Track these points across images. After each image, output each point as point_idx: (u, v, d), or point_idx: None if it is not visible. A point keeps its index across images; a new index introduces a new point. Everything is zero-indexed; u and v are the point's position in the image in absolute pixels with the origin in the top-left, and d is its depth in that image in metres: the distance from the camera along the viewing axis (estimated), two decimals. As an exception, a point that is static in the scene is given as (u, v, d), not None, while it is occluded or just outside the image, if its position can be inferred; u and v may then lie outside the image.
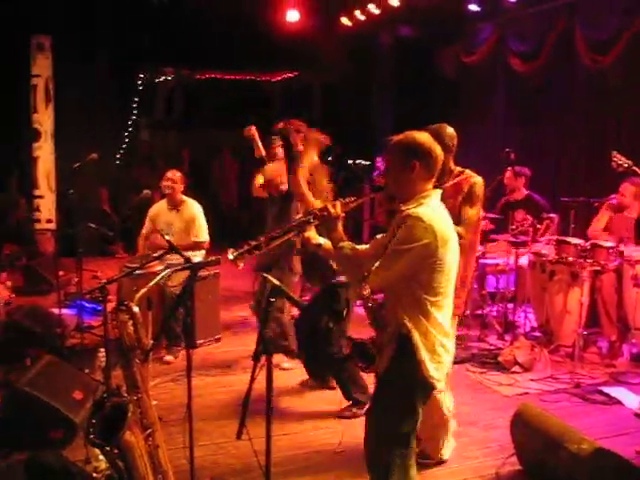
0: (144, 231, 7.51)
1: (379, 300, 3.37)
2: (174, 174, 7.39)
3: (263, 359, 3.18)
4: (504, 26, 11.14)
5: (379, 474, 3.50)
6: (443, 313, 3.33)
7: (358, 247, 3.49)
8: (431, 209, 3.26)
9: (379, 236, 3.52)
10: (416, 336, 3.23)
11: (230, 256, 3.52)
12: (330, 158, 13.26)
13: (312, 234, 3.67)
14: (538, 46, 10.31)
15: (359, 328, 6.04)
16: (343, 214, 3.48)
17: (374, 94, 15.35)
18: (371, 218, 11.00)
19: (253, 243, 3.54)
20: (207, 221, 7.46)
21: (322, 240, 3.66)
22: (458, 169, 4.75)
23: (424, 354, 3.25)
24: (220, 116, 17.78)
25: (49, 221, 11.72)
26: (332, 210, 3.44)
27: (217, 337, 7.55)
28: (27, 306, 7.32)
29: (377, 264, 3.20)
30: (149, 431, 3.62)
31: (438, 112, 11.60)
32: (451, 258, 3.28)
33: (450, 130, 4.71)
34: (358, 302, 3.40)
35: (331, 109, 16.95)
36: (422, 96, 12.76)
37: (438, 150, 3.33)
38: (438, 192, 3.37)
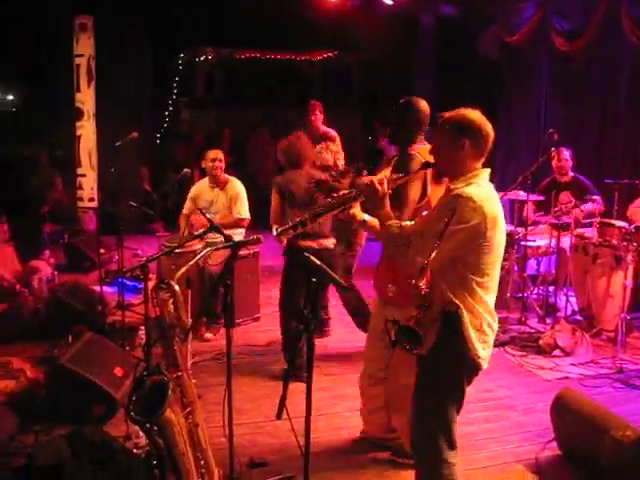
0: (185, 210, 7.52)
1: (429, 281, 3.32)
2: (217, 154, 7.39)
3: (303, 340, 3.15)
4: (547, 4, 10.90)
5: (422, 455, 3.47)
6: (489, 294, 3.29)
7: (404, 224, 3.44)
8: (481, 189, 3.21)
9: (424, 213, 3.46)
10: (464, 313, 3.20)
11: (274, 232, 3.51)
12: (370, 138, 13.23)
13: (357, 211, 3.63)
14: (582, 25, 10.07)
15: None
16: (389, 191, 3.42)
17: (414, 74, 15.18)
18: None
19: (298, 219, 3.52)
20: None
21: (367, 217, 3.62)
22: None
23: (472, 332, 3.23)
24: (259, 95, 17.77)
25: (91, 199, 11.82)
26: (378, 186, 3.39)
27: (256, 316, 7.56)
28: (69, 283, 7.40)
29: (436, 251, 3.12)
30: (189, 409, 3.63)
31: (479, 92, 11.44)
32: (499, 239, 3.24)
33: (422, 104, 4.53)
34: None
35: (370, 89, 16.85)
36: (463, 76, 12.57)
37: (489, 128, 3.27)
38: (487, 171, 3.32)
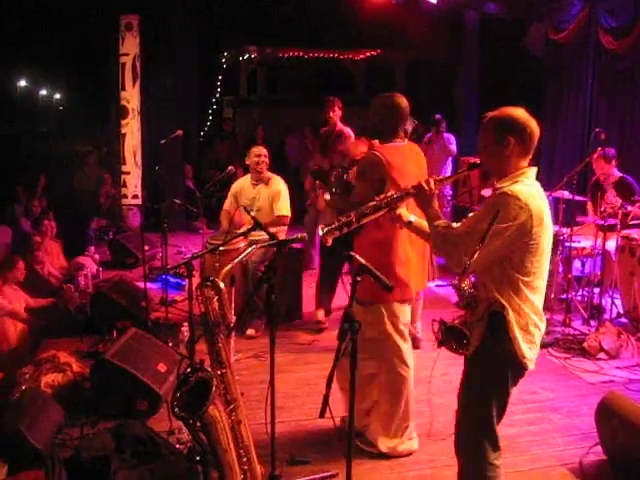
0: (226, 206, 7.56)
1: (473, 281, 3.30)
2: (261, 150, 7.42)
3: (348, 337, 3.15)
4: (595, 2, 10.75)
5: (466, 456, 3.45)
6: (536, 294, 3.26)
7: (453, 225, 3.43)
8: (527, 187, 3.19)
9: (471, 214, 3.44)
10: (510, 313, 3.18)
11: (320, 232, 3.51)
12: (414, 135, 13.15)
13: (403, 211, 3.62)
14: (631, 22, 9.92)
15: (438, 309, 6.00)
16: (437, 191, 3.43)
17: (459, 72, 15.09)
18: (454, 198, 10.82)
19: (344, 219, 3.52)
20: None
21: (413, 218, 3.61)
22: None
23: (517, 332, 3.21)
24: (302, 94, 17.81)
25: (135, 197, 11.92)
26: (426, 186, 3.40)
27: (299, 314, 7.57)
28: (114, 280, 7.49)
29: (479, 250, 3.12)
30: (232, 406, 3.65)
31: (524, 90, 11.34)
32: (545, 238, 3.21)
33: (397, 101, 4.61)
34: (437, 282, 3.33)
35: (414, 87, 16.75)
36: (508, 74, 12.48)
37: (534, 126, 3.25)
38: (534, 170, 3.30)
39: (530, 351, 3.25)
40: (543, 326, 3.34)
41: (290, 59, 18.63)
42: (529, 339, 3.24)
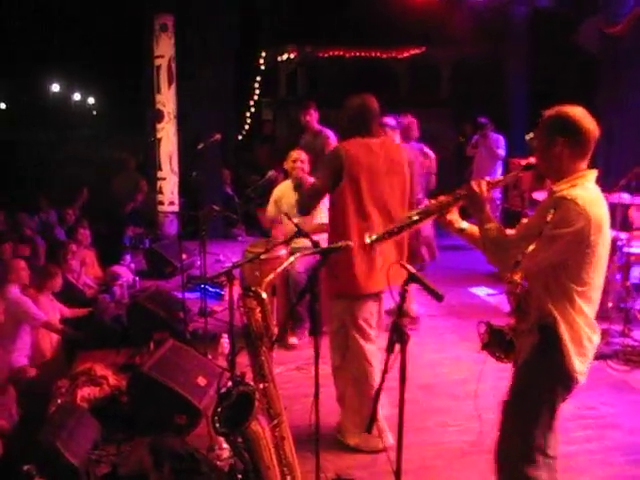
0: (268, 214, 7.58)
1: (526, 286, 3.26)
2: (299, 154, 7.40)
3: (397, 349, 3.13)
4: (652, -6, 10.59)
5: (510, 471, 3.40)
6: (590, 305, 3.22)
7: (506, 230, 3.38)
8: (586, 191, 3.13)
9: (525, 220, 3.40)
10: (562, 326, 3.14)
11: (367, 239, 3.49)
12: (462, 139, 13.06)
13: (454, 217, 3.57)
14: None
15: (488, 316, 5.91)
16: (490, 194, 3.39)
17: (507, 69, 14.98)
18: (505, 202, 10.73)
19: (391, 226, 3.50)
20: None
21: (465, 224, 3.55)
22: None
23: (570, 346, 3.17)
24: (344, 94, 17.84)
25: (171, 203, 12.00)
26: (477, 189, 3.36)
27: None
28: (150, 289, 7.54)
29: (531, 248, 3.09)
30: (275, 422, 3.64)
31: (577, 88, 11.20)
32: (603, 247, 3.16)
33: (358, 101, 4.87)
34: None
35: (461, 87, 16.70)
36: (559, 70, 12.35)
37: (590, 125, 3.17)
38: (593, 173, 3.23)
39: (582, 365, 3.21)
40: (597, 338, 3.28)
41: (331, 59, 18.67)
42: (582, 352, 3.20)
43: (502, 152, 11.41)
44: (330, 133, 8.61)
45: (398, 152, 4.97)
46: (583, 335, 3.19)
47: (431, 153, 9.28)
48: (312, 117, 8.64)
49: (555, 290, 3.17)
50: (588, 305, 3.20)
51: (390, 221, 4.56)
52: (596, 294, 3.25)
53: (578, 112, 3.20)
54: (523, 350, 3.22)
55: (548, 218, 3.07)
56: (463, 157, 12.78)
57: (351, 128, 4.87)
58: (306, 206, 5.12)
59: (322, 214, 7.31)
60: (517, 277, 3.18)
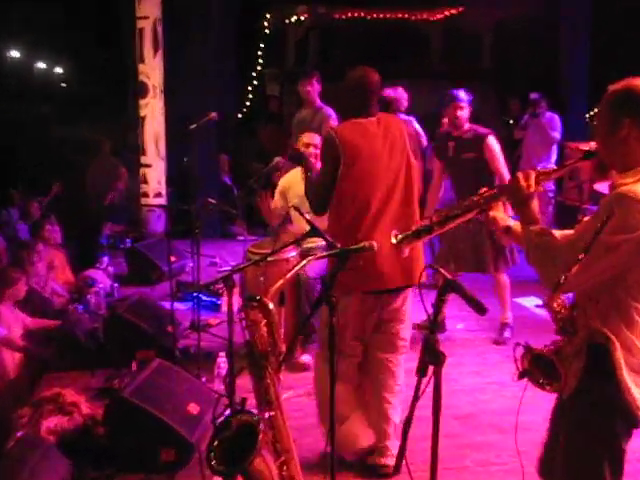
0: (274, 207, 7.56)
1: (570, 303, 3.22)
2: (312, 138, 7.38)
3: (430, 372, 3.11)
4: None
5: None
6: None
7: (556, 232, 3.34)
8: None
9: (586, 219, 3.35)
10: (616, 348, 3.06)
11: (393, 239, 3.46)
12: (510, 120, 13.03)
13: (499, 214, 3.53)
14: None
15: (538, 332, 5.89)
16: (541, 188, 3.34)
17: (563, 35, 14.93)
18: (559, 195, 10.69)
19: (423, 223, 3.48)
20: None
21: (512, 222, 3.52)
22: None
23: (627, 374, 3.07)
24: (364, 64, 17.83)
25: (158, 195, 12.02)
26: (523, 182, 3.28)
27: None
28: (132, 298, 7.54)
29: (581, 257, 3.03)
30: (283, 458, 3.64)
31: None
32: None
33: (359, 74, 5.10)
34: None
35: (505, 55, 16.65)
36: (626, 36, 12.29)
37: None
38: None
39: None
40: None
41: (348, 21, 18.64)
42: None
43: (557, 135, 11.36)
44: (331, 112, 8.69)
45: (398, 127, 5.13)
46: None
47: (420, 130, 9.30)
48: (314, 89, 8.64)
49: (610, 307, 3.09)
50: None
51: (397, 210, 4.90)
52: None
53: None
54: (570, 378, 3.16)
55: (605, 220, 2.99)
56: (509, 141, 12.74)
57: (349, 108, 5.09)
58: (315, 205, 5.20)
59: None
60: (556, 304, 3.12)
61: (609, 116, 3.15)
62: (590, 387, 3.13)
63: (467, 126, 7.38)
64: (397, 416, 5.06)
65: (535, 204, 3.30)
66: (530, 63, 15.57)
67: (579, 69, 14.25)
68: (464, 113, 7.36)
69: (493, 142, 7.27)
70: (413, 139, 5.55)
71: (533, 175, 3.29)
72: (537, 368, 3.21)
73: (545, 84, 12.87)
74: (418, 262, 4.91)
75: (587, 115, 13.22)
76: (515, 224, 3.48)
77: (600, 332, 3.08)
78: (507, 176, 7.03)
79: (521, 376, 3.32)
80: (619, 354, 3.06)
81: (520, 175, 3.30)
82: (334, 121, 8.47)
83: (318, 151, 7.19)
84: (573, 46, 14.58)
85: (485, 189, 3.48)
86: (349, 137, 4.91)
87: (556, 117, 11.44)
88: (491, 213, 3.51)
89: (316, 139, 7.37)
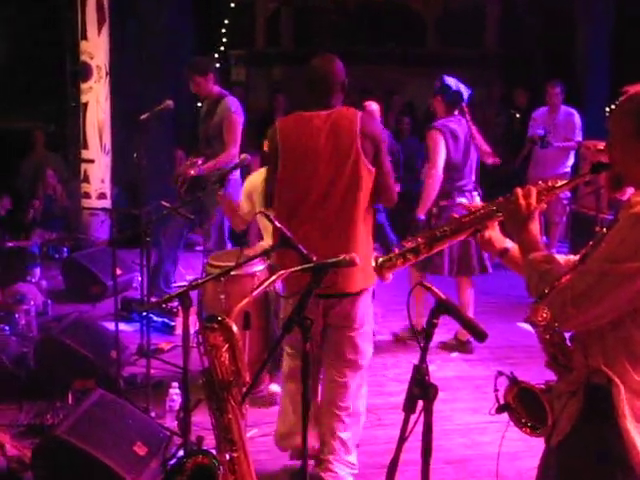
0: (239, 211, 7.57)
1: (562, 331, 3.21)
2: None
3: (419, 406, 3.13)
4: None
5: None
6: None
7: (560, 257, 3.34)
8: None
9: (605, 231, 3.34)
10: (620, 391, 3.04)
11: (373, 262, 3.47)
12: (516, 114, 13.06)
13: (495, 234, 3.54)
14: None
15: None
16: (544, 205, 3.33)
17: (581, 21, 15.02)
18: (573, 202, 10.76)
19: (408, 245, 3.48)
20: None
21: (510, 244, 3.53)
22: None
23: (631, 424, 3.04)
24: (345, 47, 17.86)
25: (102, 196, 11.98)
26: (522, 200, 3.28)
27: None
28: (69, 318, 7.51)
29: (583, 286, 3.00)
30: (247, 508, 3.64)
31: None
32: None
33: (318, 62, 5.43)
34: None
35: (513, 40, 16.72)
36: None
37: None
38: None
39: None
40: None
41: (328, -4, 18.71)
42: None
43: (579, 134, 11.34)
44: (234, 102, 9.06)
45: (350, 125, 5.23)
46: None
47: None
48: (207, 82, 8.90)
49: (615, 344, 3.07)
50: None
51: (329, 222, 5.20)
52: None
53: None
54: (562, 421, 3.15)
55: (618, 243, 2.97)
56: (517, 140, 12.78)
57: (306, 99, 5.38)
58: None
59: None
60: (541, 316, 3.10)
61: (631, 124, 3.09)
62: (586, 434, 3.11)
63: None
64: (347, 433, 5.34)
65: (536, 225, 3.28)
66: (542, 50, 15.63)
67: (599, 59, 14.32)
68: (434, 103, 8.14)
69: (430, 136, 7.90)
70: (386, 145, 5.70)
71: (534, 191, 3.28)
72: (521, 404, 3.22)
73: (560, 75, 12.93)
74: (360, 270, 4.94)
75: (608, 108, 13.24)
76: (513, 247, 3.47)
77: (601, 372, 3.06)
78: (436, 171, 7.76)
79: (499, 410, 3.33)
80: (623, 399, 3.04)
81: (519, 191, 3.28)
82: (237, 115, 8.97)
83: None
84: (593, 34, 14.65)
85: (481, 205, 3.48)
86: (288, 131, 5.30)
87: (574, 114, 11.41)
88: (486, 233, 3.51)
89: None
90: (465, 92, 8.04)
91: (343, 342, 5.38)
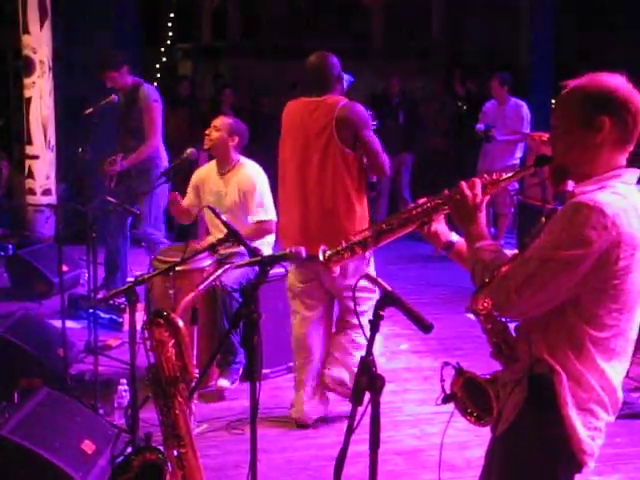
0: (186, 204, 7.55)
1: (503, 319, 3.23)
2: (222, 121, 7.40)
3: (366, 399, 3.14)
4: None
5: None
6: (613, 358, 3.13)
7: (507, 252, 3.35)
8: (620, 197, 3.03)
9: (544, 220, 3.36)
10: (562, 380, 3.06)
11: (321, 255, 3.47)
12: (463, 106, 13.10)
13: (441, 227, 3.55)
14: None
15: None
16: (488, 196, 3.34)
17: (523, 9, 15.09)
18: (519, 193, 10.82)
19: (356, 238, 3.49)
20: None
21: (456, 237, 3.54)
22: None
23: (572, 411, 3.08)
24: (293, 40, 17.85)
25: (46, 192, 11.88)
26: (467, 191, 3.29)
27: (291, 365, 7.53)
28: (15, 316, 7.44)
29: (525, 273, 3.03)
30: (195, 503, 3.63)
31: (630, 36, 11.29)
32: (637, 277, 3.07)
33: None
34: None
35: (457, 29, 16.79)
36: (600, 11, 12.42)
37: (639, 102, 3.12)
38: (635, 173, 3.16)
39: (592, 442, 3.12)
40: (617, 407, 3.19)
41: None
42: (591, 423, 3.11)
43: (527, 126, 11.38)
44: (152, 89, 9.26)
45: (329, 111, 6.10)
46: (594, 398, 3.11)
47: None
48: (121, 76, 8.93)
49: (560, 332, 3.09)
50: (609, 359, 3.12)
51: (311, 190, 6.12)
52: (624, 344, 3.16)
53: (622, 83, 3.12)
54: (507, 411, 3.16)
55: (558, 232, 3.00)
56: (463, 133, 12.84)
57: (305, 85, 6.33)
58: None
59: (260, 207, 7.31)
60: (482, 305, 3.12)
61: (581, 116, 3.11)
62: (529, 423, 3.13)
63: None
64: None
65: (482, 217, 3.30)
66: (486, 40, 15.71)
67: (543, 49, 14.38)
68: None
69: None
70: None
71: (479, 184, 3.30)
72: (467, 394, 3.23)
73: (503, 66, 12.99)
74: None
75: (553, 100, 13.31)
76: (459, 240, 3.48)
77: (544, 360, 3.08)
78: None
79: (446, 400, 3.34)
80: (565, 387, 3.07)
81: (464, 184, 3.30)
82: (157, 103, 9.07)
83: (222, 136, 7.27)
84: (536, 22, 14.72)
85: (425, 199, 3.48)
86: (288, 111, 6.34)
87: (523, 106, 11.47)
88: (432, 226, 3.51)
89: (226, 121, 7.40)
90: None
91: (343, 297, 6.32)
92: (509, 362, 3.17)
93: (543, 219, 3.23)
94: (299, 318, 6.45)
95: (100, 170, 8.93)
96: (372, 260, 6.37)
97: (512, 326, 3.21)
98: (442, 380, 3.26)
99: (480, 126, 11.57)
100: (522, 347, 3.16)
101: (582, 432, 3.08)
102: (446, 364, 3.27)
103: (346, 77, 8.32)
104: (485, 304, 3.08)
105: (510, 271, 3.07)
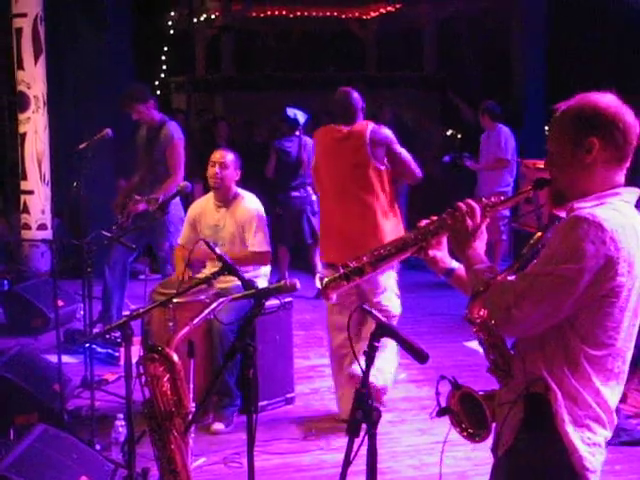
0: (181, 240, 7.55)
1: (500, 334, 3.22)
2: (224, 156, 7.40)
3: (363, 431, 3.12)
4: None
5: None
6: (609, 378, 3.13)
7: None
8: (618, 214, 3.05)
9: (540, 234, 3.35)
10: (558, 399, 3.07)
11: (318, 283, 3.47)
12: (451, 133, 13.14)
13: (441, 254, 3.54)
14: None
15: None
16: (486, 219, 3.34)
17: (515, 34, 15.15)
18: (514, 220, 10.82)
19: (353, 264, 3.48)
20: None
21: (456, 264, 3.52)
22: None
23: (570, 428, 3.08)
24: (287, 72, 17.89)
25: (42, 227, 11.87)
26: (467, 217, 3.29)
27: (289, 396, 7.53)
28: (10, 351, 7.42)
29: (514, 285, 3.03)
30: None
31: (618, 60, 11.33)
32: (635, 295, 3.09)
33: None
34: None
35: (450, 57, 16.86)
36: (592, 33, 12.45)
37: (629, 119, 3.12)
38: (635, 192, 3.18)
39: (593, 457, 3.11)
40: (613, 425, 3.20)
41: (268, 20, 18.71)
42: (590, 439, 3.11)
43: (504, 151, 11.36)
44: (176, 126, 9.30)
45: (361, 134, 6.93)
46: (590, 415, 3.11)
47: None
48: (148, 109, 9.00)
49: (555, 350, 3.10)
50: (605, 378, 3.12)
51: (348, 210, 6.91)
52: (620, 363, 3.16)
53: (612, 101, 3.14)
54: (506, 431, 3.16)
55: (556, 247, 3.01)
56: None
57: (333, 115, 7.26)
58: None
59: (258, 236, 7.31)
60: (477, 314, 3.11)
61: (571, 137, 3.13)
62: (529, 443, 3.13)
63: None
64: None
65: (481, 243, 3.32)
66: (478, 65, 15.76)
67: (536, 74, 14.43)
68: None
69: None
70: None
71: (478, 209, 3.30)
72: (463, 410, 3.22)
73: (497, 92, 13.02)
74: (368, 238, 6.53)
75: (547, 127, 13.34)
76: (459, 267, 3.46)
77: (541, 379, 3.09)
78: None
79: (440, 413, 3.33)
80: (561, 404, 3.07)
81: (463, 208, 3.30)
82: (180, 141, 9.18)
83: (226, 172, 7.27)
84: (527, 46, 14.77)
85: (424, 222, 3.47)
86: (318, 137, 7.44)
87: (504, 131, 11.45)
88: (430, 252, 3.49)
89: (229, 157, 7.39)
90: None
91: (375, 303, 6.72)
92: (505, 378, 3.17)
93: (539, 233, 3.24)
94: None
95: (114, 206, 8.97)
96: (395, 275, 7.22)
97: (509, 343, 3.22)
98: (437, 393, 3.26)
99: (446, 158, 12.12)
100: (517, 364, 3.17)
101: (582, 448, 3.09)
102: (442, 378, 3.26)
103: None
104: (481, 313, 3.09)
105: (509, 285, 3.08)
